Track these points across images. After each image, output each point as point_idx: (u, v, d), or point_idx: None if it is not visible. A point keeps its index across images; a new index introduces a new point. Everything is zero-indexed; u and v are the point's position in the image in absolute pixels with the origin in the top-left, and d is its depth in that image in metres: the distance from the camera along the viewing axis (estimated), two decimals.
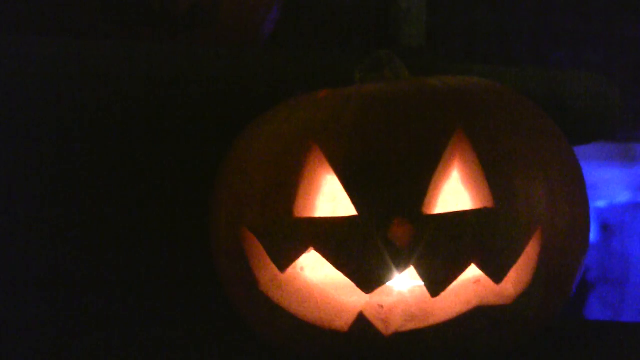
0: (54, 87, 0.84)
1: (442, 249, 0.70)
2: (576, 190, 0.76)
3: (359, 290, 0.72)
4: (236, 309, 0.81)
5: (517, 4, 2.00)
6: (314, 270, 0.77)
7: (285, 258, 0.74)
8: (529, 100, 0.79)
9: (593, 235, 1.92)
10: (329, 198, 0.76)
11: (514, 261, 0.72)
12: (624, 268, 2.00)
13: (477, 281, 0.73)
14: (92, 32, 0.98)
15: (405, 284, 0.75)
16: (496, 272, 0.71)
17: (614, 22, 2.12)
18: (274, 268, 0.75)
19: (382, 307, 0.74)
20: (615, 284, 1.99)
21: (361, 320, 0.73)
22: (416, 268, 0.71)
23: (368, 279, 0.71)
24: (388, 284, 0.72)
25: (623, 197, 1.99)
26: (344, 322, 0.74)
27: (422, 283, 0.72)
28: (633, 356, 0.85)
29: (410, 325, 0.72)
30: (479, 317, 0.72)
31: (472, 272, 0.72)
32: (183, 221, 0.95)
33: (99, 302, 0.92)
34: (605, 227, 1.95)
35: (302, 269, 0.76)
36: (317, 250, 0.73)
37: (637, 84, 2.13)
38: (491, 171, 0.72)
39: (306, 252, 0.73)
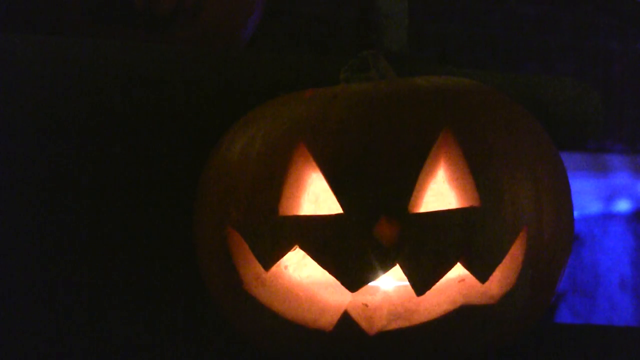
0: (33, 86, 0.83)
1: (428, 247, 0.70)
2: (561, 192, 0.77)
3: (343, 289, 0.72)
4: (220, 309, 0.80)
5: (490, 15, 2.01)
6: (298, 268, 0.77)
7: (270, 256, 0.73)
8: (515, 102, 0.80)
9: None
10: (312, 198, 0.76)
11: (500, 261, 0.72)
12: (594, 278, 2.02)
13: (462, 280, 0.73)
14: (75, 31, 0.98)
15: (390, 283, 0.75)
16: (481, 272, 0.71)
17: (584, 33, 2.14)
18: (258, 266, 0.75)
19: (366, 306, 0.73)
20: (585, 294, 2.01)
21: (346, 319, 0.73)
22: (402, 266, 0.70)
23: (353, 277, 0.71)
24: (373, 283, 0.72)
25: (593, 207, 2.01)
26: (328, 321, 0.73)
27: (407, 283, 0.72)
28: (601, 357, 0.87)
29: (395, 325, 0.72)
30: (463, 316, 0.72)
31: (457, 271, 0.72)
32: (167, 222, 0.94)
33: (83, 306, 0.91)
34: (575, 238, 1.96)
35: (286, 267, 0.76)
36: (302, 248, 0.72)
37: (606, 95, 2.16)
38: (478, 170, 0.72)
39: (291, 250, 0.73)
